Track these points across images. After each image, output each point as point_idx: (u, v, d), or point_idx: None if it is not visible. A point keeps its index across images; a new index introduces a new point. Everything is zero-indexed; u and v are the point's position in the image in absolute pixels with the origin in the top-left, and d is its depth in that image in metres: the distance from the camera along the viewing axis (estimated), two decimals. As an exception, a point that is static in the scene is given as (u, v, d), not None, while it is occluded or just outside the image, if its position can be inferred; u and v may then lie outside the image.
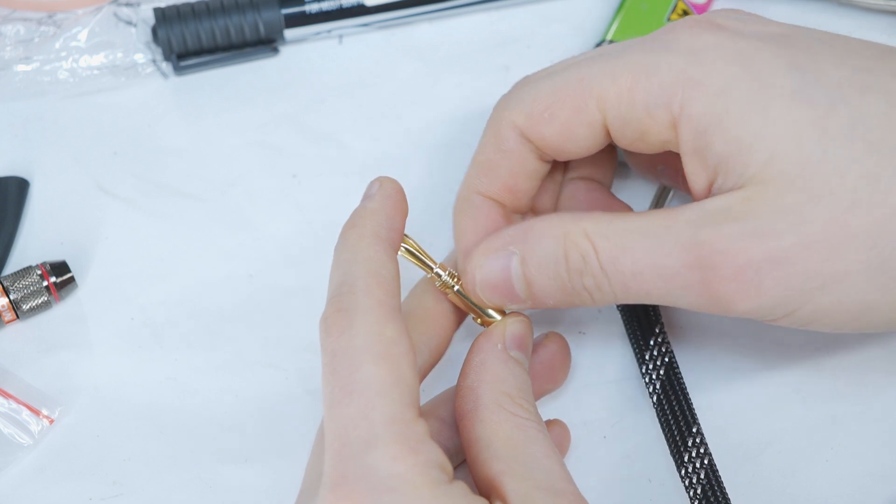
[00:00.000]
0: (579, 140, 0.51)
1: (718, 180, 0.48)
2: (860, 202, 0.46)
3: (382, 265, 0.46)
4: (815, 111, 0.47)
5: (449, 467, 0.44)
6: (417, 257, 0.51)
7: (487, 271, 0.51)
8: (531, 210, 0.56)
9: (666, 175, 0.58)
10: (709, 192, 0.49)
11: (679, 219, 0.48)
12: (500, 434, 0.47)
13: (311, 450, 0.50)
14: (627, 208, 0.56)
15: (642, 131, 0.50)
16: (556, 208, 0.57)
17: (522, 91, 0.52)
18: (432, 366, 0.52)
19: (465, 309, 0.52)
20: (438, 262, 0.51)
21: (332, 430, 0.43)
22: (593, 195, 0.56)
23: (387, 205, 0.49)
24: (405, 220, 0.49)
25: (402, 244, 0.50)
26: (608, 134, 0.51)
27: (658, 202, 0.60)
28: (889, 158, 0.46)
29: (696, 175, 0.49)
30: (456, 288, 0.51)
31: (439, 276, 0.51)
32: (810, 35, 0.50)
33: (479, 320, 0.52)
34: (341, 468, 0.42)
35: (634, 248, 0.48)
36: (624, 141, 0.51)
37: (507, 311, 0.52)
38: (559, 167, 0.56)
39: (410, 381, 0.44)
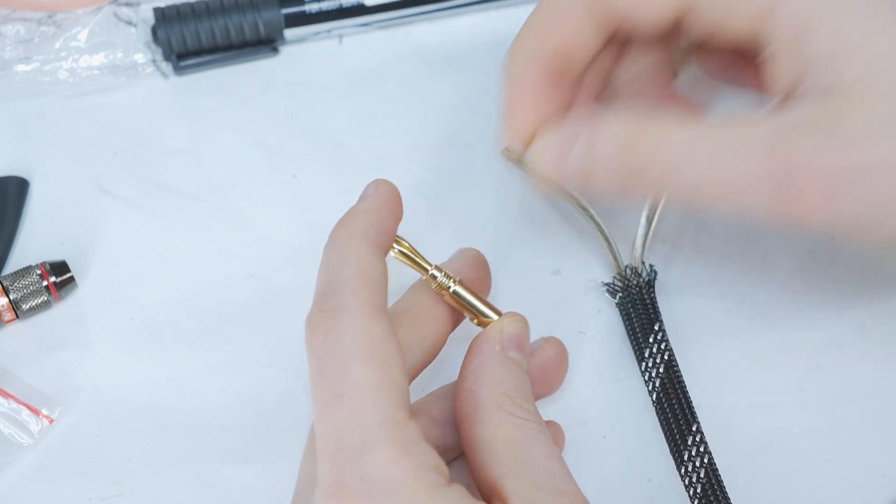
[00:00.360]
0: (653, 7, 0.49)
1: (808, 81, 0.46)
2: None
3: (371, 265, 0.46)
4: None
5: (445, 469, 0.43)
6: (412, 259, 0.50)
7: (551, 143, 0.50)
8: (581, 89, 0.54)
9: (733, 74, 0.55)
10: (791, 93, 0.47)
11: (758, 126, 0.46)
12: (501, 436, 0.47)
13: (303, 452, 0.50)
14: (695, 105, 0.55)
15: (728, 13, 0.48)
16: (608, 98, 0.55)
17: None
18: (424, 366, 0.51)
19: (460, 310, 0.52)
20: (434, 263, 0.51)
21: (325, 433, 0.43)
22: (657, 86, 0.55)
23: (379, 206, 0.48)
24: (398, 223, 0.49)
25: (397, 246, 0.50)
26: (683, 12, 0.49)
27: None
28: None
29: (783, 71, 0.47)
30: (452, 289, 0.51)
31: (435, 277, 0.51)
32: None
33: (475, 320, 0.52)
34: (336, 473, 0.42)
35: (704, 152, 0.46)
36: (701, 25, 0.49)
37: (503, 313, 0.52)
38: (614, 54, 0.55)
39: (400, 381, 0.44)
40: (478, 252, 0.53)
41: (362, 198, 0.49)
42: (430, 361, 0.51)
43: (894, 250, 0.47)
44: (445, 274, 0.51)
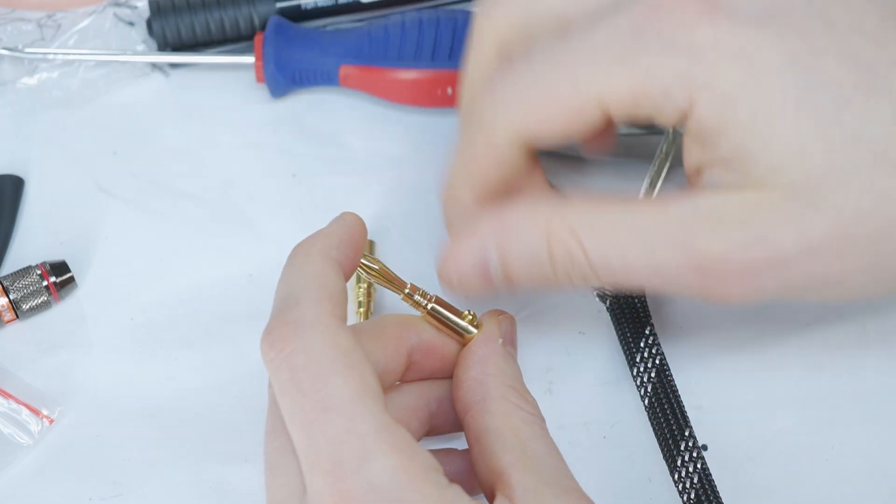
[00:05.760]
0: (581, 132, 0.50)
1: (716, 170, 0.47)
2: (863, 214, 0.46)
3: (330, 280, 0.46)
4: (820, 120, 0.46)
5: (441, 469, 0.43)
6: (386, 279, 0.50)
7: (465, 264, 0.50)
8: None
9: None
10: (699, 174, 0.48)
11: (671, 216, 0.47)
12: (509, 426, 0.47)
13: (264, 470, 0.47)
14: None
15: (648, 122, 0.48)
16: None
17: (509, 92, 0.50)
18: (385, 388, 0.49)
19: (438, 327, 0.51)
20: (409, 283, 0.51)
21: (314, 448, 0.42)
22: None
23: (340, 231, 0.48)
24: (360, 250, 0.49)
25: (371, 264, 0.50)
26: (606, 122, 0.49)
27: (662, 159, 0.60)
28: (894, 170, 0.46)
29: (692, 155, 0.48)
30: (429, 307, 0.51)
31: (410, 296, 0.51)
32: (809, 12, 0.47)
33: (455, 336, 0.52)
34: (340, 487, 0.41)
35: (625, 246, 0.48)
36: (628, 124, 0.50)
37: (481, 323, 0.52)
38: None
39: (377, 387, 0.43)
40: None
41: (326, 226, 0.49)
42: (390, 382, 0.50)
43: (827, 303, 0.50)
44: (422, 293, 0.51)
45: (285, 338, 0.44)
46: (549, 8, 0.51)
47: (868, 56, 0.47)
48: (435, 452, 0.50)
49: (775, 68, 0.46)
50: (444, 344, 0.51)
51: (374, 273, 0.50)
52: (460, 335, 0.51)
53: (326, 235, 0.48)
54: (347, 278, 0.48)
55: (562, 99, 0.49)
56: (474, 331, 0.51)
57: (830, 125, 0.46)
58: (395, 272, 0.51)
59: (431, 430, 0.51)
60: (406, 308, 0.51)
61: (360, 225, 0.49)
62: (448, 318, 0.51)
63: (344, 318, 0.45)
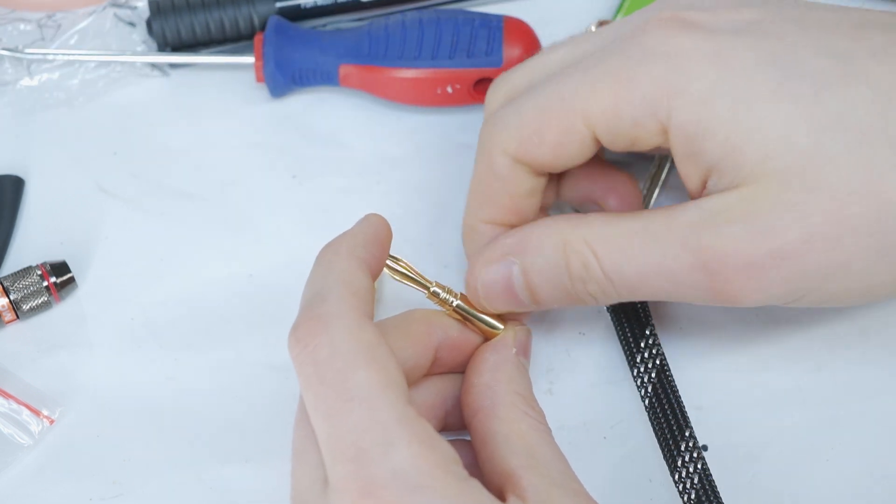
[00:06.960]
0: (572, 155, 0.51)
1: (713, 179, 0.49)
2: (857, 193, 0.46)
3: (356, 277, 0.46)
4: (800, 104, 0.47)
5: (460, 461, 0.44)
6: (411, 277, 0.51)
7: (490, 281, 0.52)
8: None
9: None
10: (703, 189, 0.49)
11: (679, 220, 0.48)
12: (517, 431, 0.48)
13: (291, 458, 0.48)
14: (629, 177, 0.56)
15: (633, 139, 0.50)
16: (558, 196, 0.57)
17: (507, 116, 0.52)
18: (410, 383, 0.50)
19: (465, 323, 0.52)
20: (435, 280, 0.52)
21: (338, 437, 0.43)
22: (593, 171, 0.56)
23: (366, 231, 0.49)
24: (386, 250, 0.50)
25: (394, 265, 0.51)
26: (599, 142, 0.51)
27: (654, 177, 0.60)
28: (881, 147, 0.46)
29: (689, 176, 0.49)
30: (455, 303, 0.52)
31: (437, 294, 0.51)
32: (783, 17, 0.49)
33: (480, 332, 0.52)
34: (364, 474, 0.42)
35: (636, 253, 0.49)
36: (616, 147, 0.51)
37: (506, 321, 0.53)
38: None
39: (400, 380, 0.44)
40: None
41: (352, 227, 0.50)
42: (417, 377, 0.51)
43: (834, 306, 0.53)
44: (447, 290, 0.51)
45: (311, 333, 0.45)
46: (556, 61, 0.53)
47: (843, 48, 0.48)
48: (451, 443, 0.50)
49: (751, 65, 0.48)
50: (469, 340, 0.52)
51: (399, 272, 0.51)
52: (486, 331, 0.52)
53: (353, 235, 0.49)
54: (374, 277, 0.48)
55: (551, 116, 0.50)
56: (501, 326, 0.52)
57: (811, 108, 0.47)
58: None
59: (445, 426, 0.52)
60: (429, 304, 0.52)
61: (385, 225, 0.50)
62: (474, 315, 0.52)
63: (370, 315, 0.46)
